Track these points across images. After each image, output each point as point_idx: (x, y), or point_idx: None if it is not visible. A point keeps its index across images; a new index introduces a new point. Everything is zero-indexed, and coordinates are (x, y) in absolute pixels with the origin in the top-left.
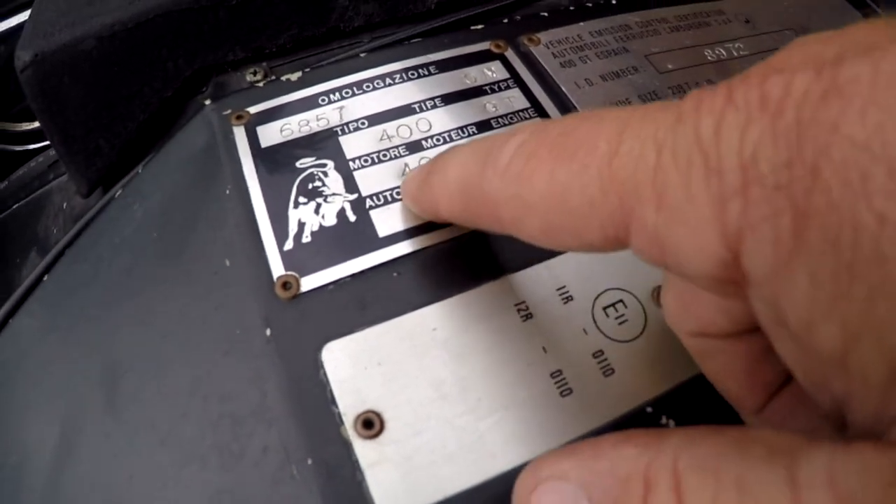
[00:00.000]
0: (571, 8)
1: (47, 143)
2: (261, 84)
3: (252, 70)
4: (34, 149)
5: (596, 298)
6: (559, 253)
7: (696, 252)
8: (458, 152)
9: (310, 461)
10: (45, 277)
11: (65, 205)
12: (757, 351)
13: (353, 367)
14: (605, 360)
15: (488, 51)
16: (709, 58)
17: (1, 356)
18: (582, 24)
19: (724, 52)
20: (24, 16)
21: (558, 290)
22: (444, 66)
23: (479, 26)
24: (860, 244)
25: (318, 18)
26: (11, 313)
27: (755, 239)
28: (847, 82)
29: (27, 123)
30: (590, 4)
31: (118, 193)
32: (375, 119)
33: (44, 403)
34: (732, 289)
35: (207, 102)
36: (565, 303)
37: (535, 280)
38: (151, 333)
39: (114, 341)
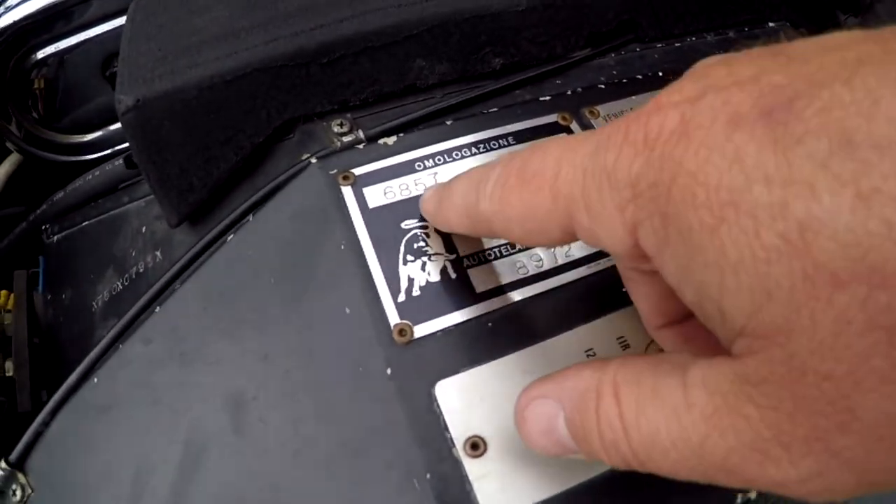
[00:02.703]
0: (625, 81)
1: (98, 154)
2: (346, 137)
3: (338, 121)
4: (87, 160)
5: (647, 346)
6: (619, 308)
7: (613, 240)
8: (459, 182)
9: (428, 476)
10: (157, 308)
11: (144, 229)
12: (665, 288)
13: (460, 400)
14: None
15: (556, 123)
16: None
17: (116, 378)
18: (634, 97)
19: None
20: (78, 37)
21: (618, 339)
22: (519, 136)
23: (548, 97)
24: (693, 237)
25: (399, 77)
26: (118, 338)
27: (643, 231)
28: (693, 127)
29: (77, 136)
30: (640, 77)
31: (230, 238)
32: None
33: (165, 424)
34: (642, 259)
35: (314, 161)
36: (624, 349)
37: (600, 329)
38: (275, 368)
39: (236, 372)
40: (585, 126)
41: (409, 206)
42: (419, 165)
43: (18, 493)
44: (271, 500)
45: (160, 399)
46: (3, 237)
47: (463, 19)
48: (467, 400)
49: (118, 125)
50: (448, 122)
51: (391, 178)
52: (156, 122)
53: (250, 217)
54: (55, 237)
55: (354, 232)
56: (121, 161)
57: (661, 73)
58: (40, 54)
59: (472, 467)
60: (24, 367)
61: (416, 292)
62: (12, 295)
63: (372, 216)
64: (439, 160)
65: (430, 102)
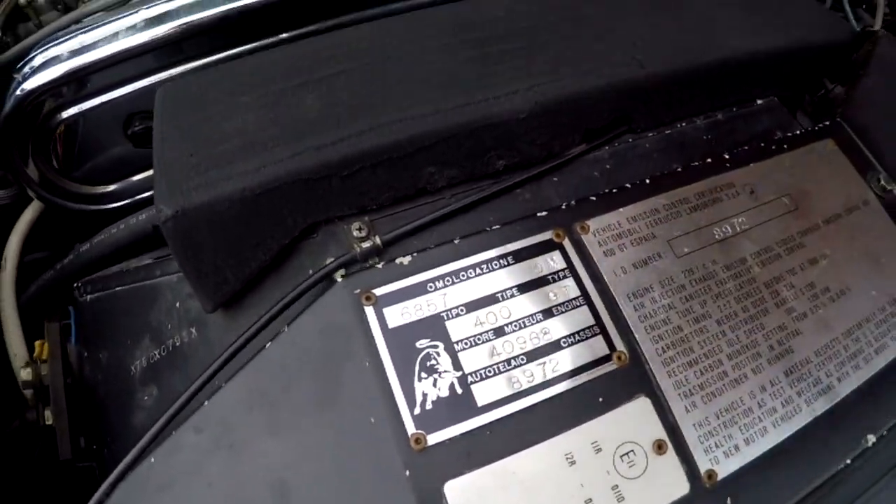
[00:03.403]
0: (615, 190)
1: (118, 203)
2: (365, 243)
3: (357, 226)
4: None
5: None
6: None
7: None
8: None
9: None
10: (206, 402)
11: (178, 304)
12: None
13: (464, 496)
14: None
15: (551, 240)
16: (716, 236)
17: (172, 460)
18: (622, 209)
19: (729, 229)
20: (101, 98)
21: (592, 443)
22: (518, 255)
23: (545, 213)
24: None
25: (412, 183)
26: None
27: None
28: None
29: (97, 187)
30: (628, 185)
31: (269, 346)
32: (471, 306)
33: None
34: None
35: (339, 280)
36: (596, 452)
37: (576, 436)
38: (312, 462)
39: (280, 465)
40: (577, 243)
41: (423, 326)
42: (430, 287)
43: None
44: None
45: (214, 483)
46: (31, 282)
47: (471, 130)
48: (470, 496)
49: (138, 176)
50: (456, 242)
51: (407, 299)
52: (193, 230)
53: (286, 328)
54: (88, 296)
55: (377, 351)
56: (143, 216)
57: (648, 180)
58: (65, 114)
59: None
60: (63, 416)
61: (429, 406)
62: (46, 345)
63: (391, 336)
64: (448, 281)
65: (439, 203)
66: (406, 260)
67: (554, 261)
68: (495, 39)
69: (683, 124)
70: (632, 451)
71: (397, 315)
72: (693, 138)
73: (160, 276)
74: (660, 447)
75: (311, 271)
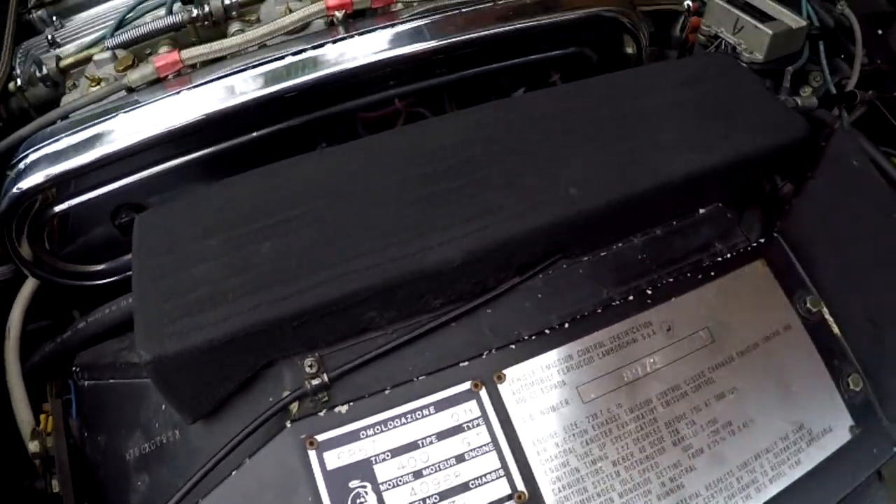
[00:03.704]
0: (533, 337)
1: (107, 280)
2: (314, 380)
3: (309, 362)
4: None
5: None
6: None
7: None
8: None
9: None
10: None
11: (163, 406)
12: None
13: None
14: None
15: (469, 390)
16: (626, 379)
17: None
18: (537, 358)
19: (639, 370)
20: (92, 194)
21: None
22: (440, 405)
23: (466, 363)
24: None
25: (355, 325)
26: None
27: None
28: None
29: (87, 266)
30: (547, 332)
31: (233, 474)
32: (395, 451)
33: None
34: None
35: (289, 425)
36: None
37: None
38: None
39: None
40: (493, 392)
41: (355, 469)
42: (363, 434)
43: None
44: None
45: None
46: (34, 348)
47: (406, 281)
48: None
49: (126, 257)
50: (386, 392)
51: (343, 445)
52: (169, 372)
53: (247, 460)
54: (86, 382)
55: (317, 489)
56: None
57: (567, 325)
58: (57, 209)
59: None
60: (68, 485)
61: None
62: (51, 418)
63: (329, 476)
64: (377, 430)
65: (379, 340)
66: (344, 409)
67: (470, 410)
68: (440, 175)
69: (620, 244)
70: None
71: (335, 458)
72: (628, 260)
73: (147, 377)
74: None
75: (271, 399)
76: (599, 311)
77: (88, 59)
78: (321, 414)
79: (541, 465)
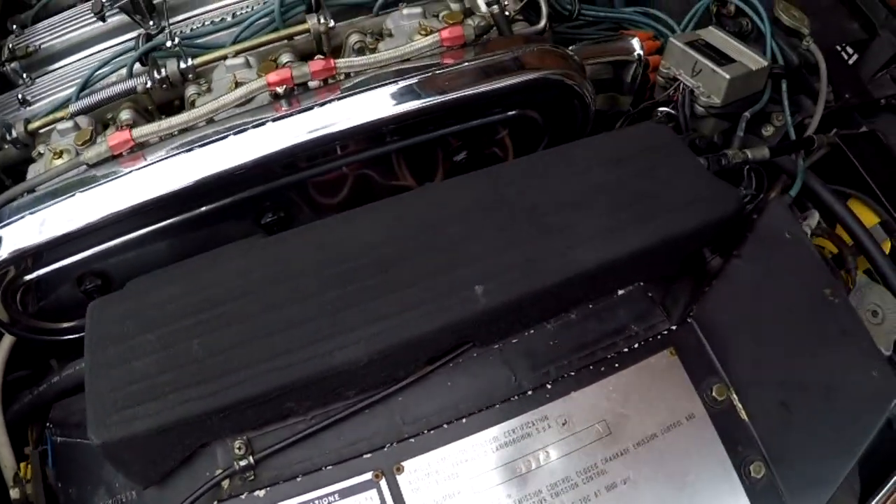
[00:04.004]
0: (432, 432)
1: (77, 335)
2: (242, 461)
3: (238, 444)
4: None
5: None
6: None
7: None
8: None
9: None
10: None
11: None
12: None
13: None
14: None
15: (371, 480)
16: (517, 471)
17: None
18: (435, 451)
19: (532, 463)
20: (60, 264)
21: None
22: (343, 493)
23: (369, 454)
24: None
25: (276, 414)
26: None
27: None
28: None
29: (57, 323)
30: (446, 426)
31: None
32: None
33: None
34: None
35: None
36: None
37: None
38: None
39: None
40: (391, 481)
41: None
42: None
43: None
44: None
45: None
46: (15, 399)
47: (318, 378)
48: None
49: None
50: (298, 479)
51: None
52: (117, 451)
53: None
54: (58, 438)
55: None
56: None
57: (465, 420)
58: (27, 278)
59: None
60: None
61: None
62: (30, 467)
63: None
64: None
65: (299, 426)
66: (262, 493)
67: (371, 498)
68: (355, 274)
69: (532, 331)
70: None
71: None
72: (538, 346)
73: None
74: None
75: (207, 474)
76: (498, 405)
77: (52, 123)
78: (242, 497)
79: None
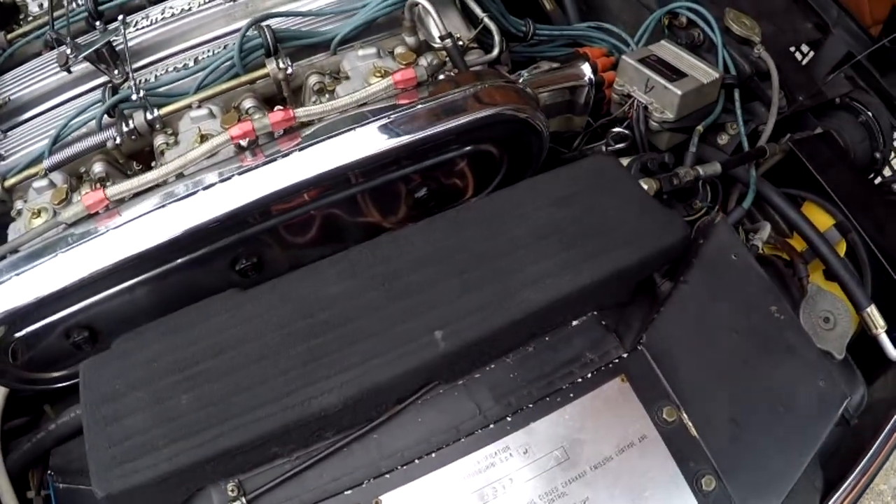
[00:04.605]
0: (405, 467)
1: (67, 383)
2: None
3: (230, 487)
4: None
5: None
6: None
7: None
8: None
9: None
10: None
11: None
12: None
13: None
14: None
15: None
16: (485, 498)
17: None
18: (410, 485)
19: (498, 489)
20: (48, 319)
21: None
22: None
23: (349, 491)
24: None
25: (263, 458)
26: None
27: None
28: None
29: (46, 373)
30: (417, 461)
31: None
32: None
33: None
34: None
35: None
36: None
37: None
38: None
39: None
40: None
41: None
42: None
43: None
44: None
45: None
46: (14, 446)
47: (297, 424)
48: None
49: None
50: None
51: None
52: (120, 502)
53: None
54: (61, 485)
55: None
56: None
57: (435, 455)
58: (16, 335)
59: None
60: None
61: None
62: None
63: None
64: None
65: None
66: None
67: None
68: (322, 328)
69: (493, 365)
70: None
71: None
72: (500, 379)
73: None
74: None
75: None
76: (464, 439)
77: (29, 178)
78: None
79: None
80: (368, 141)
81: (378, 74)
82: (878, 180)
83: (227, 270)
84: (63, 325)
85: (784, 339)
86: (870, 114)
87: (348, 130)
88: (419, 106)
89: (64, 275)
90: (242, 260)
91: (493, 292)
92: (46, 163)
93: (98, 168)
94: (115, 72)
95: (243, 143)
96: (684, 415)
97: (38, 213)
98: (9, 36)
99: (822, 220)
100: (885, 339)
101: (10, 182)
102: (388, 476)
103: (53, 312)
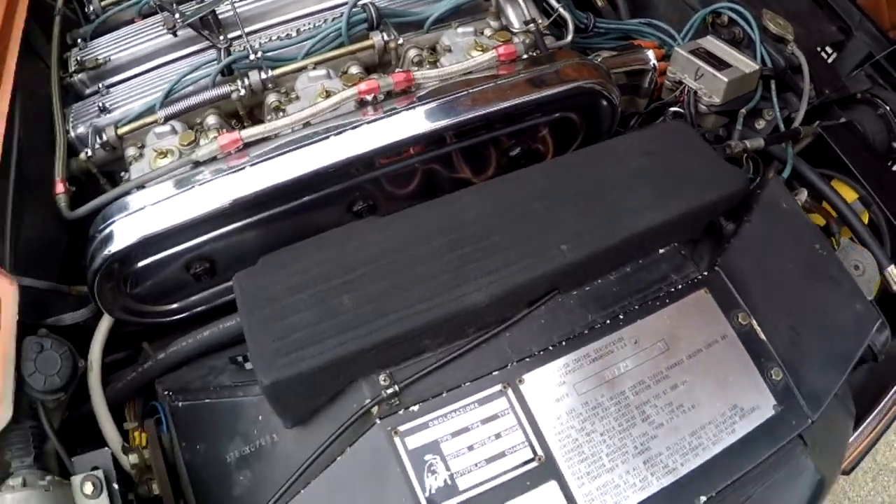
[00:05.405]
0: (541, 352)
1: (177, 317)
2: (389, 389)
3: (383, 378)
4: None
5: None
6: None
7: None
8: None
9: None
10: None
11: (260, 417)
12: None
13: None
14: None
15: (500, 390)
16: (606, 378)
17: None
18: (545, 366)
19: (616, 371)
20: (168, 252)
21: None
22: (481, 402)
23: (497, 372)
24: None
25: (414, 351)
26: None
27: None
28: None
29: (160, 305)
30: (550, 348)
31: (338, 459)
32: (454, 434)
33: None
34: None
35: (378, 421)
36: None
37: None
38: None
39: None
40: (515, 390)
41: (428, 448)
42: (430, 424)
43: None
44: None
45: None
46: (115, 378)
47: (449, 318)
48: None
49: (195, 297)
50: (443, 395)
51: (418, 432)
52: (281, 391)
53: (348, 448)
54: (180, 403)
55: (403, 463)
56: (207, 332)
57: (564, 342)
58: (138, 265)
59: None
60: (167, 487)
61: (434, 490)
62: (145, 435)
63: (410, 454)
64: (440, 421)
65: (431, 359)
66: (416, 408)
67: (502, 404)
68: (466, 241)
69: (599, 281)
70: None
71: (413, 441)
72: (605, 292)
73: (243, 396)
74: None
75: (355, 405)
76: (586, 332)
77: (142, 128)
78: (400, 413)
79: (552, 438)
80: (478, 103)
81: (479, 49)
82: (895, 168)
83: (344, 212)
84: (188, 255)
85: (827, 270)
86: (887, 108)
87: (461, 93)
88: (521, 76)
89: (199, 205)
90: (359, 202)
91: (603, 218)
92: (163, 112)
93: (212, 120)
94: (220, 38)
95: (368, 98)
96: (754, 321)
97: (164, 154)
98: (102, 3)
99: (847, 194)
100: None
101: (123, 130)
102: (527, 360)
103: (181, 242)
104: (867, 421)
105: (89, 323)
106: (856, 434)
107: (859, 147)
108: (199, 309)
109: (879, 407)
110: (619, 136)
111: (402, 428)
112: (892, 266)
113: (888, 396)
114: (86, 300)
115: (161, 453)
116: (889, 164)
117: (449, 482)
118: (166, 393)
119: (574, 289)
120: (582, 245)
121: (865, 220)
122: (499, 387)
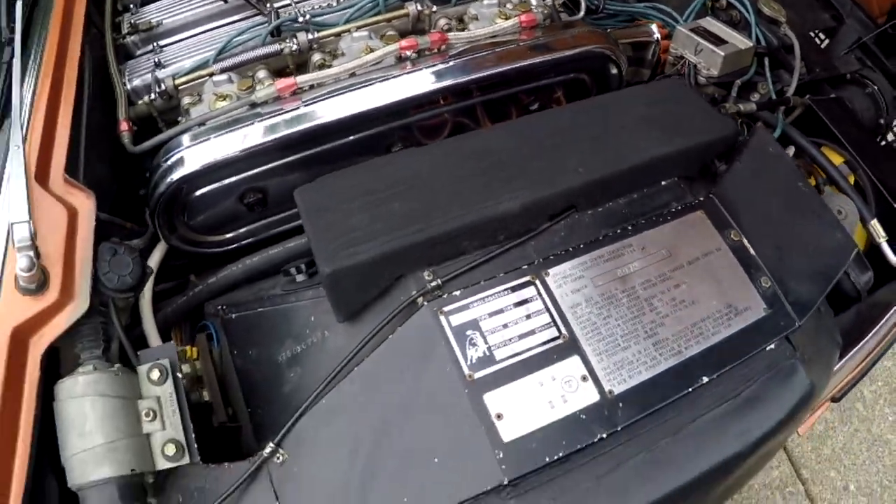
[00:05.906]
0: (563, 252)
1: (227, 248)
2: (433, 282)
3: (427, 274)
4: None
5: (563, 378)
6: None
7: None
8: None
9: None
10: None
11: (312, 318)
12: None
13: (494, 399)
14: None
15: (529, 280)
16: (619, 274)
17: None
18: (567, 263)
19: (627, 270)
20: (223, 182)
21: (552, 377)
22: (513, 289)
23: (525, 266)
24: None
25: (455, 252)
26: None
27: None
28: None
29: (214, 236)
30: (571, 249)
31: (390, 337)
32: (491, 314)
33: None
34: None
35: (425, 304)
36: (553, 379)
37: (545, 372)
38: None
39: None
40: (542, 281)
41: (469, 325)
42: (471, 306)
43: (281, 458)
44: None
45: (352, 414)
46: (165, 304)
47: (484, 223)
48: (497, 399)
49: (245, 228)
50: (481, 283)
51: (460, 312)
52: (340, 279)
53: (398, 328)
54: (234, 314)
55: (447, 337)
56: (256, 258)
57: (582, 245)
58: (198, 192)
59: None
60: (217, 395)
61: (474, 360)
62: (196, 349)
63: (453, 330)
64: (479, 303)
65: (467, 259)
66: (458, 293)
67: (531, 291)
68: (496, 165)
69: (610, 203)
70: (571, 379)
71: (456, 320)
72: (615, 211)
73: (295, 301)
74: (584, 378)
75: (402, 298)
76: (600, 238)
77: (198, 79)
78: (444, 296)
79: (574, 321)
80: (502, 61)
81: (503, 17)
82: (882, 143)
83: (383, 152)
84: (244, 186)
85: (810, 204)
86: (875, 87)
87: (488, 52)
88: (540, 40)
89: (261, 137)
90: (398, 144)
91: (613, 150)
92: (219, 65)
93: (262, 73)
94: (268, 5)
95: (408, 53)
96: (744, 239)
97: (223, 98)
98: None
99: (835, 158)
100: (886, 248)
101: (181, 80)
102: (551, 257)
103: (240, 172)
104: (854, 351)
105: (143, 254)
106: (843, 362)
107: (847, 118)
108: (246, 241)
109: (866, 338)
110: (624, 89)
111: (446, 308)
112: (875, 220)
113: (876, 328)
114: (137, 235)
115: (211, 365)
116: (877, 138)
117: (487, 353)
118: (219, 308)
119: (589, 209)
120: (596, 169)
121: (851, 181)
122: (528, 277)
